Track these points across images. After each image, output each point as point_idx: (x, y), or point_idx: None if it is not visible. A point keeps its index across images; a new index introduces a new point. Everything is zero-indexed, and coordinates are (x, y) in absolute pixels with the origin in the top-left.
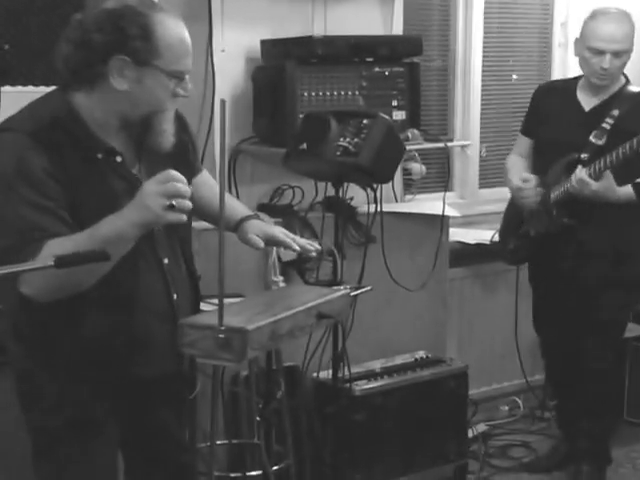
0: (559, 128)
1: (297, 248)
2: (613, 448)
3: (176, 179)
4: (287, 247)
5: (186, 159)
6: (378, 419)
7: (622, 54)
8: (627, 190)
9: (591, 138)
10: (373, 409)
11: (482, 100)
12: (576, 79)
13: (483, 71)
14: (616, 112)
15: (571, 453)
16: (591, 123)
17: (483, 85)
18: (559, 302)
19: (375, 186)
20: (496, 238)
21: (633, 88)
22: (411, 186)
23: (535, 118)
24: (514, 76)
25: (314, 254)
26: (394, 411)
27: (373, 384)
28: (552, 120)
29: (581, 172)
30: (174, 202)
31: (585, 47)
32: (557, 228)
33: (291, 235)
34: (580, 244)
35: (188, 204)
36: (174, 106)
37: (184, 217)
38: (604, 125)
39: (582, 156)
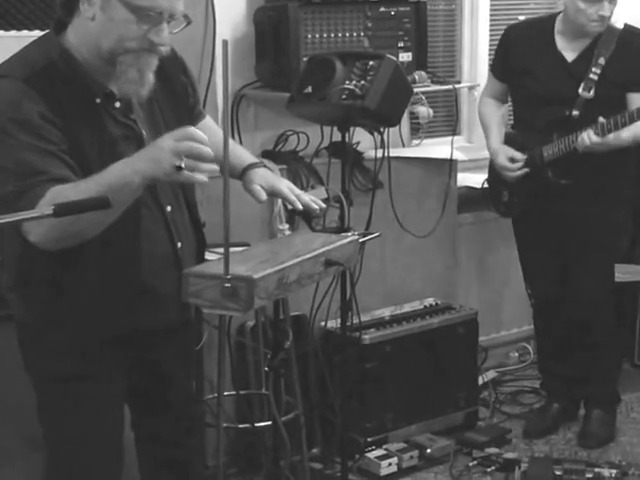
0: (543, 81)
1: (299, 207)
2: (624, 393)
3: (194, 138)
4: (290, 203)
5: (186, 104)
6: (387, 367)
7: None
8: (634, 133)
9: (580, 91)
10: (382, 357)
11: (490, 41)
12: (551, 19)
13: (491, 12)
14: (602, 60)
15: (564, 410)
16: (577, 74)
17: (491, 26)
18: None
19: (382, 130)
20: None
21: (614, 26)
22: (418, 130)
23: (510, 63)
24: (520, 17)
25: (318, 212)
26: (403, 359)
27: (382, 332)
28: (534, 71)
29: (590, 135)
30: (184, 163)
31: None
32: (552, 188)
33: (296, 191)
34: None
35: (203, 166)
36: (152, 57)
37: (197, 178)
38: (591, 76)
39: (574, 113)
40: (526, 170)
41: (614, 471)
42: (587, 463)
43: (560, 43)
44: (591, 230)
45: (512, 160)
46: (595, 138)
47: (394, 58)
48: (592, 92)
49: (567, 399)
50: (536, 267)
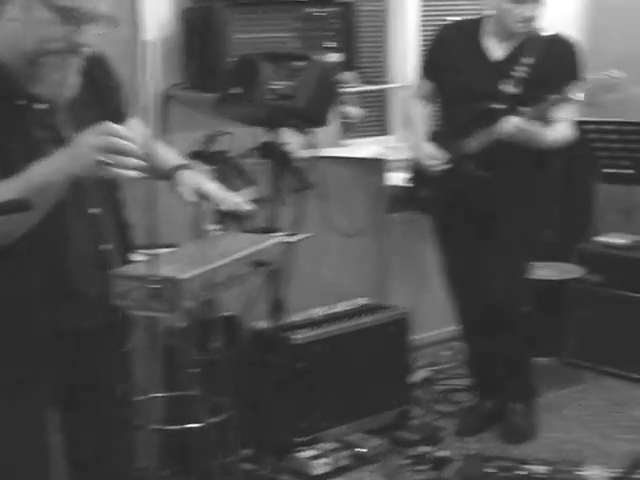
0: (468, 77)
1: (228, 208)
2: (556, 390)
3: (114, 133)
4: (219, 204)
5: (112, 105)
6: (319, 367)
7: (539, 2)
8: (556, 134)
9: (504, 87)
10: (313, 357)
11: (419, 42)
12: (479, 20)
13: (421, 13)
14: (531, 60)
15: (496, 408)
16: (502, 71)
17: (421, 27)
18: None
19: (311, 130)
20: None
21: (542, 33)
22: (349, 130)
23: (437, 63)
24: (449, 19)
25: (246, 213)
26: (335, 359)
27: (313, 332)
28: (459, 67)
29: (513, 119)
30: (108, 158)
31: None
32: (475, 182)
33: (225, 192)
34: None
35: (127, 162)
36: (75, 58)
37: (122, 173)
38: (520, 74)
39: (498, 107)
40: (449, 165)
41: (545, 467)
42: (519, 460)
43: (487, 43)
44: (508, 224)
45: (434, 156)
46: (518, 121)
47: (322, 59)
48: (517, 88)
49: (499, 397)
50: (458, 264)
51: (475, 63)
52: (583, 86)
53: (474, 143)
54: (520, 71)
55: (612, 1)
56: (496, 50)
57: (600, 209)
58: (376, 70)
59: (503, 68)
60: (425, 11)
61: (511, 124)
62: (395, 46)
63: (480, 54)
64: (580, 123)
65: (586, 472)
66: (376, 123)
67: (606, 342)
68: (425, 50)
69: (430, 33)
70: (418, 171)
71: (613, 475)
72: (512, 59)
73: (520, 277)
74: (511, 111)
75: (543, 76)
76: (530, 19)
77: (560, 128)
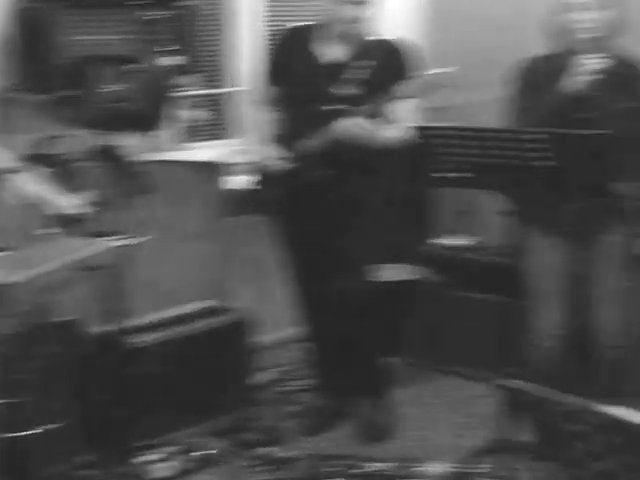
0: (305, 81)
1: (59, 212)
2: (398, 389)
3: None
4: (51, 208)
5: None
6: (160, 371)
7: (367, 3)
8: (392, 133)
9: (339, 89)
10: (154, 361)
11: (259, 46)
12: (314, 26)
13: (264, 16)
14: (362, 63)
15: (339, 407)
16: (338, 74)
17: (264, 31)
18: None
19: (150, 134)
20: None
21: (377, 37)
22: (189, 133)
23: (278, 68)
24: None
25: (81, 216)
26: (176, 362)
27: (154, 335)
28: (297, 72)
29: (346, 122)
30: None
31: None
32: (316, 182)
33: (56, 196)
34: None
35: None
36: None
37: None
38: (351, 76)
39: (333, 108)
40: (292, 165)
41: (384, 465)
42: (361, 458)
43: (322, 46)
44: (354, 224)
45: (277, 157)
46: (351, 125)
47: (156, 62)
48: (353, 90)
49: (342, 397)
50: (303, 265)
51: (311, 66)
52: (413, 84)
53: (313, 144)
54: (354, 73)
55: (451, 6)
56: (329, 53)
57: (441, 212)
58: (216, 73)
59: (337, 71)
60: (267, 15)
61: (344, 125)
62: (234, 50)
63: (317, 57)
64: (420, 128)
65: (426, 468)
66: (216, 127)
67: (447, 341)
68: (268, 56)
69: (271, 38)
70: (263, 173)
71: (452, 470)
72: (346, 62)
73: (368, 277)
74: (346, 112)
75: (375, 78)
76: (356, 20)
77: (394, 128)
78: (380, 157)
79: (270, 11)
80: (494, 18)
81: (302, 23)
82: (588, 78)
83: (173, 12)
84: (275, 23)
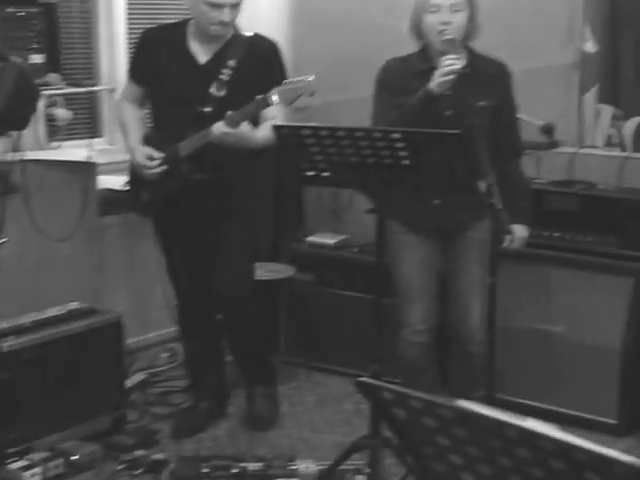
0: (177, 82)
1: None
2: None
3: None
4: None
5: None
6: (27, 375)
7: (238, 6)
8: (265, 134)
9: (211, 90)
10: (21, 365)
11: (128, 44)
12: (185, 23)
13: (128, 14)
14: (232, 62)
15: (211, 408)
16: (208, 75)
17: (129, 29)
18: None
19: (13, 133)
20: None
21: (244, 34)
22: (57, 133)
23: (145, 67)
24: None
25: None
26: (46, 366)
27: (21, 339)
28: (167, 73)
29: (220, 125)
30: None
31: (202, 2)
32: (191, 184)
33: None
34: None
35: None
36: None
37: None
38: (222, 76)
39: (206, 110)
40: (164, 167)
41: (259, 464)
42: (233, 459)
43: (193, 46)
44: (229, 227)
45: (150, 158)
46: (225, 128)
47: (19, 60)
48: (224, 92)
49: (214, 397)
50: (179, 267)
51: (183, 67)
52: (281, 89)
53: (187, 146)
54: (225, 74)
55: (313, 11)
56: (201, 53)
57: (310, 210)
58: (87, 72)
59: (209, 71)
60: (132, 13)
61: (218, 129)
62: (103, 48)
63: (187, 58)
64: (278, 128)
65: (298, 466)
66: (86, 125)
67: (318, 339)
68: (131, 54)
69: (138, 35)
70: (136, 174)
71: (323, 467)
72: (217, 62)
73: (246, 277)
74: (220, 114)
75: (247, 77)
76: (226, 23)
77: (266, 129)
78: (252, 158)
79: (135, 8)
80: (358, 19)
81: (171, 21)
82: (447, 78)
83: (38, 10)
84: (141, 20)
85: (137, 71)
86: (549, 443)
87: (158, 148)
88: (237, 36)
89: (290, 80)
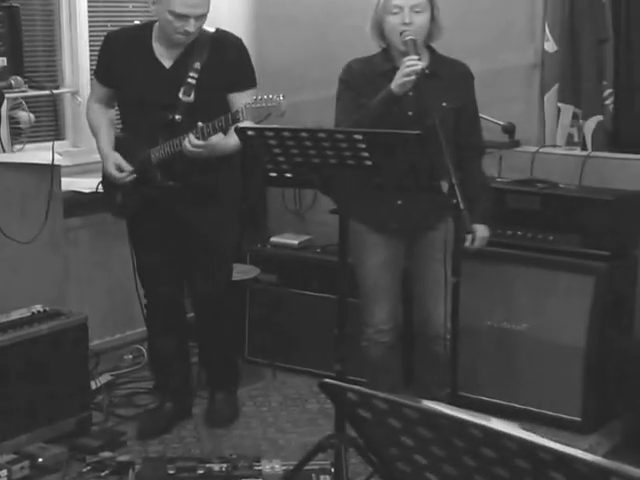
0: (143, 86)
1: None
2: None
3: None
4: None
5: None
6: None
7: (203, 17)
8: (234, 139)
9: (180, 95)
10: None
11: (90, 46)
12: (149, 27)
13: (90, 16)
14: (198, 64)
15: (177, 409)
16: (175, 79)
17: (91, 31)
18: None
19: None
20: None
21: (207, 30)
22: (20, 135)
23: (110, 69)
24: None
25: None
26: (10, 369)
27: None
28: (133, 76)
29: (191, 139)
30: None
31: (167, 12)
32: (163, 191)
33: None
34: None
35: None
36: None
37: None
38: (189, 80)
39: (176, 117)
40: (134, 176)
41: (224, 465)
42: (199, 460)
43: (158, 50)
44: (205, 231)
45: (119, 169)
46: (196, 141)
47: None
48: (192, 96)
49: (180, 398)
50: (152, 268)
51: (148, 71)
52: (250, 107)
53: (158, 154)
54: (192, 77)
55: (274, 11)
56: (167, 57)
57: (273, 211)
58: (49, 74)
59: (176, 76)
60: (94, 14)
61: (188, 142)
62: (66, 50)
63: (152, 61)
64: (240, 130)
65: (262, 466)
66: (49, 128)
67: (282, 339)
68: (97, 55)
69: (101, 37)
70: (109, 176)
71: (288, 467)
72: (182, 65)
73: (224, 276)
74: (190, 120)
75: (214, 79)
76: (191, 33)
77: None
78: (222, 162)
79: (97, 11)
80: (319, 17)
81: (136, 22)
82: (409, 79)
83: None
84: (102, 23)
85: (103, 73)
86: (513, 443)
87: (129, 153)
88: (201, 35)
89: (260, 97)
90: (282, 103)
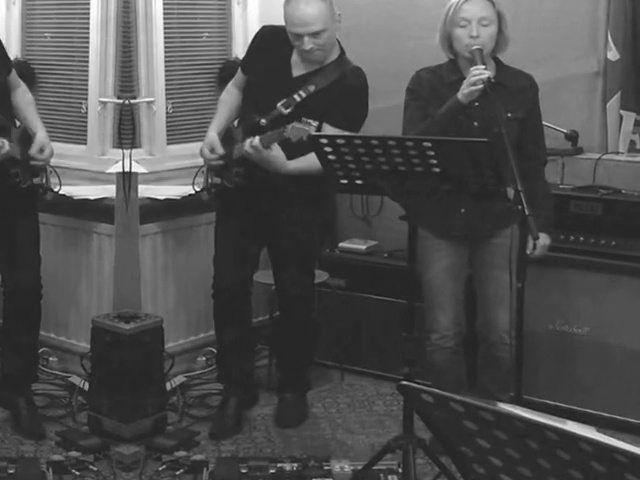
0: (264, 85)
1: None
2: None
3: None
4: None
5: None
6: None
7: (321, 33)
8: (299, 164)
9: (279, 105)
10: None
11: (166, 57)
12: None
13: (166, 27)
14: (312, 87)
15: (241, 402)
16: (294, 89)
17: (167, 41)
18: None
19: None
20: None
21: (346, 63)
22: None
23: (252, 59)
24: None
25: None
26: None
27: None
28: (262, 73)
29: (255, 139)
30: None
31: (287, 29)
32: (233, 184)
33: None
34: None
35: None
36: None
37: None
38: (295, 96)
39: (262, 121)
40: (220, 162)
41: (295, 464)
42: (270, 459)
43: (294, 57)
44: (296, 233)
45: (211, 150)
46: (256, 142)
47: None
48: (289, 110)
49: (243, 391)
50: (225, 250)
51: (276, 73)
52: (295, 127)
53: (237, 151)
54: (298, 95)
55: (342, 23)
56: (298, 66)
57: (342, 217)
58: (123, 84)
59: (297, 86)
60: (170, 25)
61: (247, 145)
62: (141, 61)
63: (285, 65)
64: (312, 137)
65: (332, 466)
66: (127, 136)
67: (349, 342)
68: (249, 46)
69: (177, 48)
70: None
71: (356, 468)
72: (304, 80)
73: (306, 282)
74: (272, 129)
75: (318, 107)
76: (309, 51)
77: (303, 161)
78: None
79: (173, 20)
80: (387, 30)
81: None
82: (475, 88)
83: None
84: (178, 34)
85: (245, 60)
86: (589, 446)
87: (230, 143)
88: (338, 63)
89: (306, 121)
90: (311, 130)
